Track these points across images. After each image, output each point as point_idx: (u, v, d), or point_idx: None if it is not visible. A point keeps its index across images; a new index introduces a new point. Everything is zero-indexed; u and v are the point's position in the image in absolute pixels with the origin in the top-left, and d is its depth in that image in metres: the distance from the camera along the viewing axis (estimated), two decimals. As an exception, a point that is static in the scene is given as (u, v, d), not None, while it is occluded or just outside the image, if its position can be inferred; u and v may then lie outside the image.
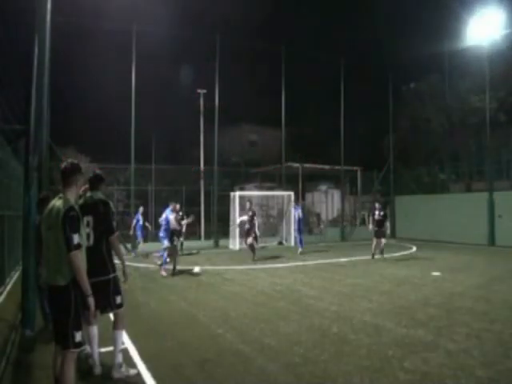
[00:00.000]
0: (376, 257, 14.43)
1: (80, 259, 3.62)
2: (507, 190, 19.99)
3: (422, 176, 27.63)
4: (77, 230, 3.63)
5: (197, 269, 11.65)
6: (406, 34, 29.75)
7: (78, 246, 3.60)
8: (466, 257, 15.22)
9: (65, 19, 14.63)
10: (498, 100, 22.37)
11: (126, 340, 5.53)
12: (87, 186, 4.77)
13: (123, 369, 4.61)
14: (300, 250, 16.30)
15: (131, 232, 16.37)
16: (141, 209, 16.37)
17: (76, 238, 3.59)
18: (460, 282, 9.94)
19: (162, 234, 11.65)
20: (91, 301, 3.69)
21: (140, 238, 16.49)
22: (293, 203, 19.28)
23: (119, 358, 4.62)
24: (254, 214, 14.55)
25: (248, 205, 14.75)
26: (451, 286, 9.45)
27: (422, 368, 4.72)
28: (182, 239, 15.49)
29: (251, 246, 14.37)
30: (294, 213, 17.65)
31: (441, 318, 6.76)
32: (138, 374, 4.65)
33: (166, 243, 11.46)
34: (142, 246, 16.50)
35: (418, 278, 10.57)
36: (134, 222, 16.21)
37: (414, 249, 17.92)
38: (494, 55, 19.83)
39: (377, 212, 14.46)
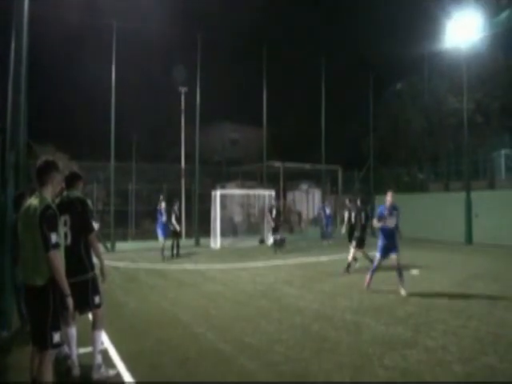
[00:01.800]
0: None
1: (58, 259, 3.55)
2: (484, 190, 20.42)
3: (402, 175, 28.05)
4: (55, 229, 3.55)
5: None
6: (388, 36, 30.14)
7: (57, 246, 3.53)
8: (444, 255, 15.48)
9: (45, 14, 14.33)
10: (475, 101, 22.80)
11: (105, 340, 5.46)
12: (63, 184, 4.65)
13: (102, 369, 4.55)
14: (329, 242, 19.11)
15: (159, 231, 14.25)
16: (163, 204, 14.27)
17: (54, 238, 3.51)
18: (438, 280, 10.10)
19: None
20: (70, 301, 3.63)
21: (161, 237, 14.19)
22: (321, 204, 21.30)
23: (98, 358, 4.56)
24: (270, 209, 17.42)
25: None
26: (429, 284, 9.61)
27: (401, 364, 4.79)
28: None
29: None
30: (325, 210, 19.99)
31: (419, 316, 6.87)
32: (118, 375, 4.61)
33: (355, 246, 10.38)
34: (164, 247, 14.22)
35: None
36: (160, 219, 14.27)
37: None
38: (472, 58, 20.23)
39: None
